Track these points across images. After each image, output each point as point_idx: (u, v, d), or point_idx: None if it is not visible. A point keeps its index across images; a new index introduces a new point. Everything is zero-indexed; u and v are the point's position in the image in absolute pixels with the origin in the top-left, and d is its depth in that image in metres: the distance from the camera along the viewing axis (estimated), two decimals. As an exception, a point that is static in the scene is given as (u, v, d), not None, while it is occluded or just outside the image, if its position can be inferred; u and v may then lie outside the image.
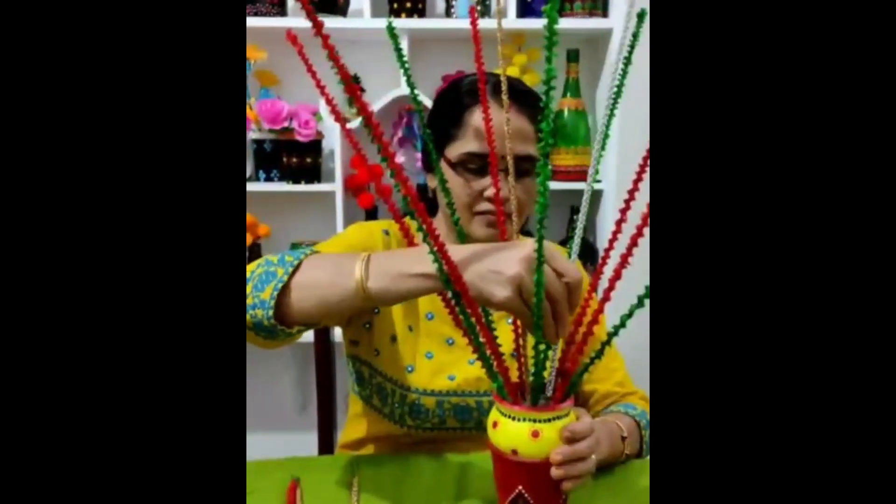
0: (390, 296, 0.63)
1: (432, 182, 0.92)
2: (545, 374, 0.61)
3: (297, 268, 0.67)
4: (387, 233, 0.92)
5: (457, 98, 0.87)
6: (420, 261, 0.60)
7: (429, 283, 0.60)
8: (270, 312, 0.64)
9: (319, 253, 0.72)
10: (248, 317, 0.66)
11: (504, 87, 0.68)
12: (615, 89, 0.60)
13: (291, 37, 0.53)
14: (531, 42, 1.65)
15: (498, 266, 0.57)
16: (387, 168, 0.55)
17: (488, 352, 0.60)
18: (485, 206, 0.84)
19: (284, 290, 0.66)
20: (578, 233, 0.63)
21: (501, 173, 0.79)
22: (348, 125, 0.58)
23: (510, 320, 0.88)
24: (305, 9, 0.48)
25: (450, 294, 0.61)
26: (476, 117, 0.84)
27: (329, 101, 0.56)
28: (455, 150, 0.85)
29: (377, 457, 0.90)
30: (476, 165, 0.84)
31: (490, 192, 0.83)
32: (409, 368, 0.88)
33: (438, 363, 0.89)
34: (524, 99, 0.85)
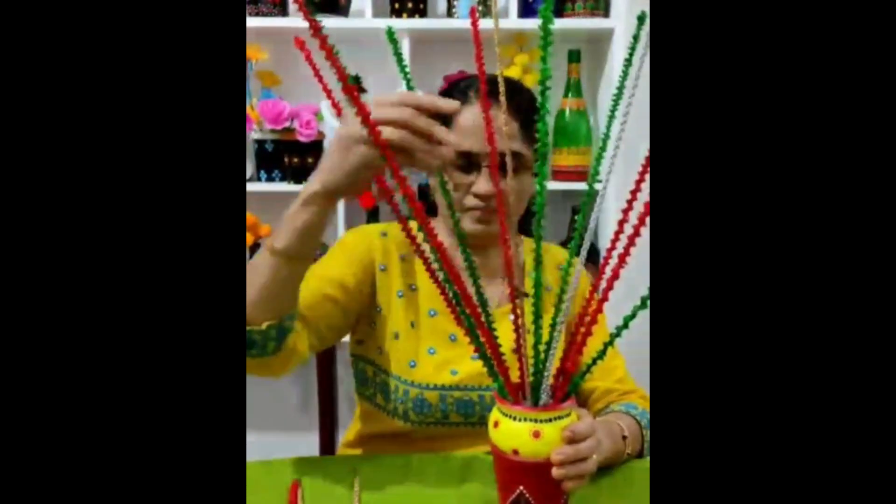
0: (296, 237, 0.66)
1: (432, 180, 0.93)
2: (545, 374, 0.61)
3: None
4: (384, 234, 0.94)
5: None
6: (302, 194, 0.65)
7: (319, 202, 0.65)
8: None
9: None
10: None
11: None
12: (616, 92, 0.60)
13: (300, 42, 0.54)
14: (533, 42, 1.65)
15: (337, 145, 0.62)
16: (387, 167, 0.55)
17: (489, 352, 0.61)
18: (472, 201, 0.87)
19: None
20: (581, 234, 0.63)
21: (489, 170, 0.84)
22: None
23: (511, 317, 0.89)
24: (302, 11, 0.48)
25: (451, 294, 0.61)
26: (462, 116, 0.86)
27: (335, 105, 0.56)
28: None
29: (378, 457, 0.90)
30: (462, 162, 0.87)
31: (477, 188, 0.86)
32: (412, 364, 0.89)
33: (441, 358, 0.90)
34: (509, 96, 0.86)
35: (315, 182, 0.65)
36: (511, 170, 0.87)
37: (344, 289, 0.87)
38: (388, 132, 0.59)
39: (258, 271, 0.68)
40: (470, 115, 0.86)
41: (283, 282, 0.69)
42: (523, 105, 0.87)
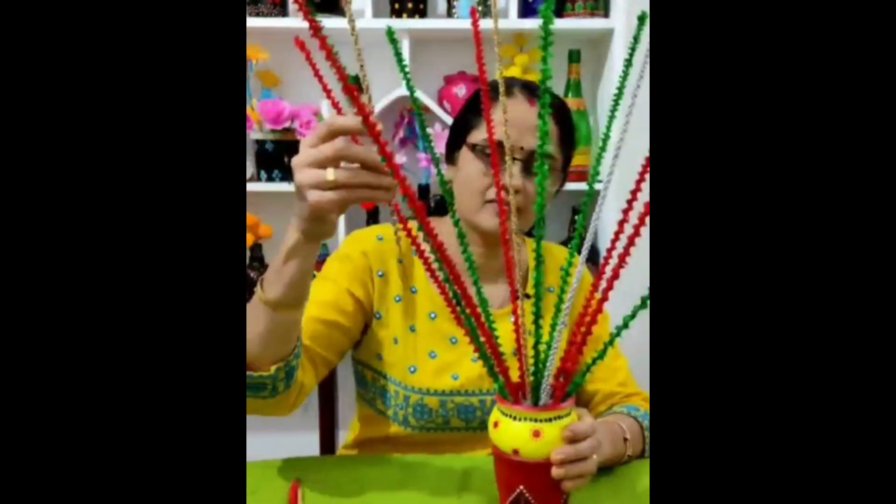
0: (287, 289, 0.66)
1: (450, 174, 0.92)
2: (545, 374, 0.61)
3: None
4: (380, 238, 0.93)
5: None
6: (286, 243, 0.65)
7: (303, 250, 0.65)
8: None
9: None
10: None
11: (502, 88, 0.68)
12: (616, 91, 0.60)
13: (299, 43, 0.54)
14: (533, 42, 1.65)
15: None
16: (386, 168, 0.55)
17: (489, 351, 0.61)
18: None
19: None
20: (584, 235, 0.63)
21: (523, 164, 0.85)
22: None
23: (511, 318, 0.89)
24: (302, 11, 0.48)
25: (451, 294, 0.61)
26: (500, 108, 0.86)
27: (335, 105, 0.56)
28: (478, 136, 0.88)
29: (379, 457, 0.90)
30: (498, 154, 0.86)
31: (505, 179, 0.84)
32: (412, 369, 0.88)
33: (442, 362, 0.89)
34: (549, 99, 0.87)
35: (294, 232, 0.65)
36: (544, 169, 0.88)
37: (345, 312, 0.87)
38: (331, 175, 0.58)
39: (257, 319, 0.68)
40: (514, 108, 0.87)
41: (281, 328, 0.69)
42: (564, 114, 0.90)
